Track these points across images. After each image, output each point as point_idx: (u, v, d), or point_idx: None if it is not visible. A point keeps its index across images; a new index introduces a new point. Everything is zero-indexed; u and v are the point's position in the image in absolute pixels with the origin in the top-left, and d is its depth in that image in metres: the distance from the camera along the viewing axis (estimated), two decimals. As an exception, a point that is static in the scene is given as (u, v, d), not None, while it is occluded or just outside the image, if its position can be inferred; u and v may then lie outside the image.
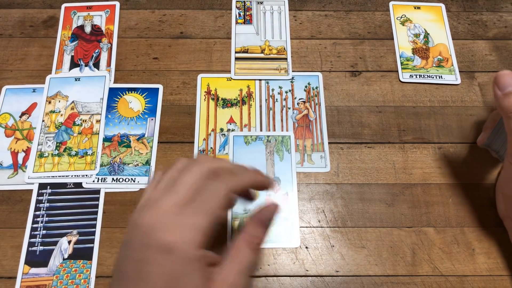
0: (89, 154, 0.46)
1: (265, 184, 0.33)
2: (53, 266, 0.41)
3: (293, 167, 0.46)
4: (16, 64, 0.51)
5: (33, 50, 0.52)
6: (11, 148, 0.47)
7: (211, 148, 0.47)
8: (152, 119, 0.49)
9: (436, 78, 0.51)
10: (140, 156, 0.46)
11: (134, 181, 0.45)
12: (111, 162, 0.46)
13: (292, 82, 0.51)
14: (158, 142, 0.47)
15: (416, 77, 0.51)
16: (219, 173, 0.29)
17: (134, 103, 0.49)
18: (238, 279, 0.28)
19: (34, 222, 0.43)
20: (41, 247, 0.42)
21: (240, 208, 0.44)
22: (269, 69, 0.52)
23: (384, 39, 0.54)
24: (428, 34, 0.54)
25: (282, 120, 0.49)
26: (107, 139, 0.47)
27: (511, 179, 0.39)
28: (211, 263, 0.27)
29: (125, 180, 0.45)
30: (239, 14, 0.55)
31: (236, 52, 0.53)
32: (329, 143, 0.48)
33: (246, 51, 0.53)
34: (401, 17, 0.55)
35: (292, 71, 0.52)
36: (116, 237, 0.43)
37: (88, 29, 0.54)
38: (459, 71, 0.52)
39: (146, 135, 0.48)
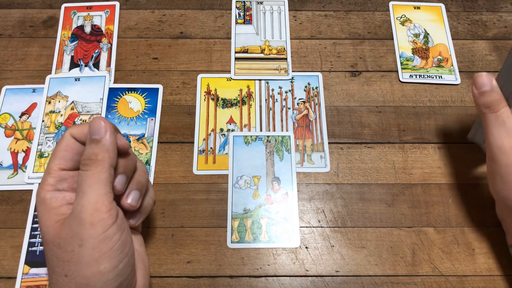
0: (89, 154, 0.46)
1: (96, 126, 0.32)
2: (53, 266, 0.41)
3: (293, 167, 0.46)
4: (16, 64, 0.51)
5: (33, 50, 0.52)
6: (11, 148, 0.47)
7: (211, 148, 0.47)
8: (152, 119, 0.49)
9: (436, 78, 0.51)
10: (140, 156, 0.46)
11: (134, 181, 0.45)
12: (111, 162, 0.46)
13: (292, 82, 0.51)
14: (158, 142, 0.47)
15: (416, 77, 0.51)
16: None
17: (134, 103, 0.49)
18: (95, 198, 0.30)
19: (34, 222, 0.43)
20: (41, 247, 0.42)
21: (240, 208, 0.44)
22: (269, 69, 0.52)
23: (384, 39, 0.54)
24: (428, 34, 0.54)
25: (282, 120, 0.49)
26: (107, 139, 0.47)
27: (492, 174, 0.38)
28: (68, 202, 0.32)
29: (125, 180, 0.45)
30: (239, 14, 0.55)
31: (236, 52, 0.53)
32: (329, 143, 0.48)
33: (246, 51, 0.53)
34: (401, 17, 0.55)
35: (292, 71, 0.52)
36: (116, 237, 0.43)
37: (88, 29, 0.54)
38: (459, 71, 0.52)
39: (146, 135, 0.48)
